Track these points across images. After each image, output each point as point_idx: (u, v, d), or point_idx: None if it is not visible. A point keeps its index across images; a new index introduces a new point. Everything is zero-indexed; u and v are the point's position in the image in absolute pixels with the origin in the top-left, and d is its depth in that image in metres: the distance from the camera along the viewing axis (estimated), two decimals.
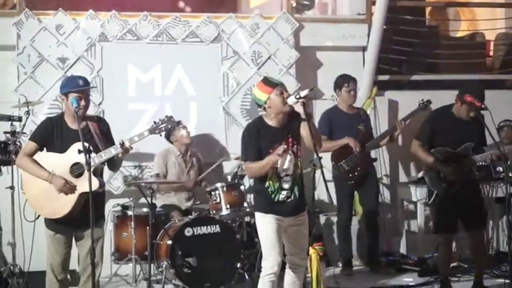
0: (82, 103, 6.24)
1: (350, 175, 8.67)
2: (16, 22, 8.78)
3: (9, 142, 7.65)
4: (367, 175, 8.84)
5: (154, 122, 6.46)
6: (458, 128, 7.38)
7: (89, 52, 9.03)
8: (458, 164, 7.38)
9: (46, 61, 8.87)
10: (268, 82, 6.14)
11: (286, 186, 6.09)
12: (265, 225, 6.14)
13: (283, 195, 6.10)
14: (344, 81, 8.84)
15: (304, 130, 6.00)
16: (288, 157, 6.03)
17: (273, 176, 6.08)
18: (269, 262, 6.06)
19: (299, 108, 5.89)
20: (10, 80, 8.84)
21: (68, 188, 6.20)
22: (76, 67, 8.93)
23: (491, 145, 7.41)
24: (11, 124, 7.88)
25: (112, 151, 6.22)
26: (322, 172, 5.74)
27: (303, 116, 5.92)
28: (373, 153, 9.28)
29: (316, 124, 8.45)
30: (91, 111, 8.54)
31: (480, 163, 7.51)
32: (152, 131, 6.40)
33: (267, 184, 6.10)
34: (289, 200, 6.11)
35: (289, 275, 6.25)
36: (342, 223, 8.94)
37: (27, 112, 8.04)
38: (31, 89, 8.73)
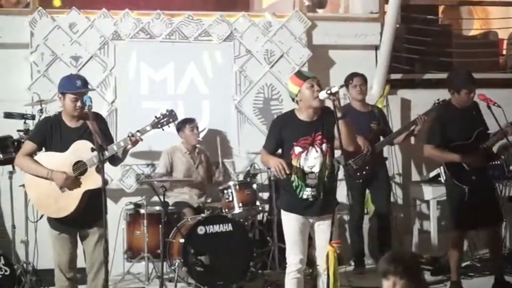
0: (78, 104, 6.19)
1: (358, 174, 8.63)
2: (30, 20, 8.81)
3: (23, 140, 7.65)
4: (378, 173, 8.82)
5: (156, 117, 6.40)
6: (464, 117, 7.40)
7: (102, 50, 9.06)
8: (478, 153, 7.39)
9: (59, 59, 8.89)
10: (300, 75, 6.20)
11: (311, 183, 6.05)
12: (289, 223, 6.15)
13: (307, 192, 6.06)
14: (349, 78, 8.83)
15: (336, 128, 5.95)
16: (314, 154, 6.05)
17: (299, 171, 6.07)
18: (292, 259, 6.09)
19: (330, 104, 5.87)
20: (23, 78, 8.86)
21: (71, 182, 6.16)
22: (89, 65, 8.97)
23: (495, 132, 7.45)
24: (25, 123, 7.94)
25: (114, 148, 6.18)
26: (346, 170, 5.74)
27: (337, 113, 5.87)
28: (385, 152, 9.27)
29: None
30: (104, 110, 8.64)
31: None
32: (154, 125, 6.33)
33: (292, 178, 6.09)
34: (314, 199, 6.08)
35: (320, 274, 6.23)
36: (354, 222, 8.94)
37: (40, 110, 8.08)
38: (44, 87, 8.74)
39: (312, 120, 6.12)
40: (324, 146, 6.07)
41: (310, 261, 6.42)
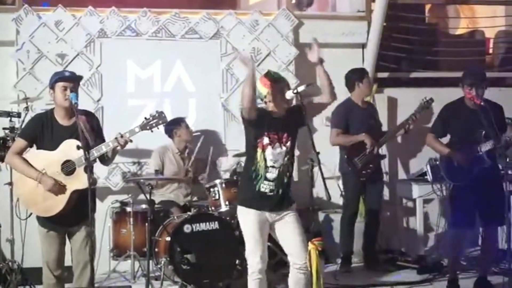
0: (67, 93, 6.18)
1: (364, 172, 8.66)
2: (15, 18, 8.78)
3: (8, 138, 7.66)
4: (377, 172, 8.87)
5: (145, 118, 6.35)
6: (469, 117, 7.34)
7: (88, 48, 9.04)
8: (470, 152, 7.34)
9: (45, 57, 8.87)
10: (270, 77, 6.19)
11: (270, 177, 6.09)
12: (248, 222, 6.13)
13: (265, 185, 6.09)
14: (364, 73, 8.90)
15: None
16: (279, 150, 6.10)
17: (261, 161, 6.10)
18: (254, 259, 6.07)
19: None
20: (9, 76, 8.85)
21: (58, 189, 6.15)
22: (75, 63, 8.94)
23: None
24: (10, 120, 7.91)
25: (103, 148, 6.17)
26: (320, 169, 5.74)
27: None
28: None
29: (331, 116, 8.76)
30: (90, 108, 8.60)
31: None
32: (143, 127, 6.30)
33: (253, 167, 6.12)
34: (272, 194, 6.10)
35: (292, 275, 6.19)
36: (347, 219, 8.90)
37: (26, 108, 8.06)
38: (30, 85, 8.72)
39: (279, 116, 6.17)
40: (288, 144, 6.15)
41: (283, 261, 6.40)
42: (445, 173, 7.61)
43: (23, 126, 6.66)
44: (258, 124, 6.13)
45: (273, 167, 6.09)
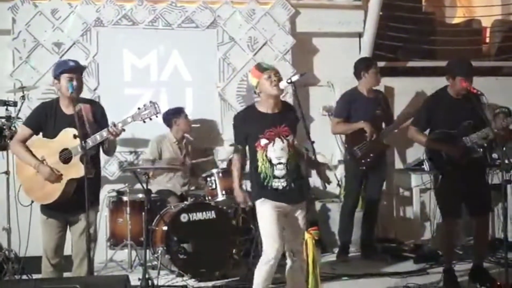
0: (74, 83, 6.18)
1: (363, 161, 8.64)
2: (12, 6, 8.77)
3: (4, 127, 7.65)
4: (379, 162, 8.84)
5: (138, 109, 6.32)
6: (454, 108, 7.29)
7: (84, 37, 9.03)
8: (457, 143, 7.29)
9: (41, 46, 8.86)
10: (259, 67, 6.19)
11: (278, 174, 6.03)
12: (265, 214, 6.06)
13: (276, 182, 6.04)
14: (371, 63, 8.86)
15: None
16: (281, 145, 6.03)
17: (265, 162, 6.05)
18: (269, 248, 5.99)
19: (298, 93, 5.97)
20: (5, 65, 8.84)
21: (55, 178, 6.17)
22: (71, 52, 8.93)
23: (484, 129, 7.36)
24: (6, 109, 7.88)
25: (97, 138, 6.16)
26: (315, 158, 5.72)
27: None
28: None
29: (335, 105, 8.78)
30: (87, 97, 8.55)
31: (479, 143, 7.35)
32: (135, 117, 6.26)
33: (259, 169, 6.07)
34: (285, 190, 6.04)
35: (290, 266, 6.20)
36: (347, 209, 8.90)
37: (22, 97, 8.03)
38: (26, 74, 8.72)
39: (273, 112, 6.15)
40: (289, 137, 6.08)
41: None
42: (433, 163, 7.58)
43: (28, 114, 6.67)
44: (250, 131, 6.13)
45: (280, 163, 6.04)
